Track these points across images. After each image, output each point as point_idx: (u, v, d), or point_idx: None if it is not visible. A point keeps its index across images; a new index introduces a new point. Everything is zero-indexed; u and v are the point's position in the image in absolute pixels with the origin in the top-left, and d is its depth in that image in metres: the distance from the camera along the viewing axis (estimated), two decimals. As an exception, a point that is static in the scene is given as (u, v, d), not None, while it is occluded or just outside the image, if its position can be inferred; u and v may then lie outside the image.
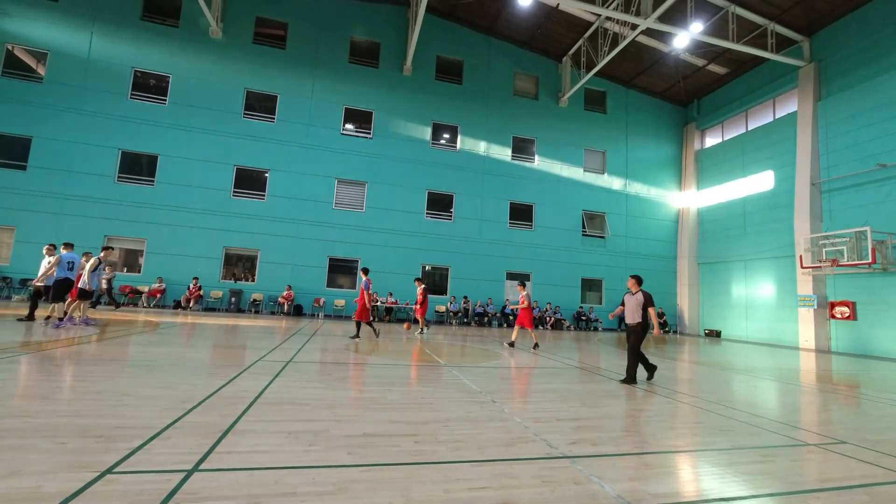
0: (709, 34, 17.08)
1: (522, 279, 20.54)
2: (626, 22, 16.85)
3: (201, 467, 2.53)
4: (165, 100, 17.35)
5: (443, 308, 18.86)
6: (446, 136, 20.54)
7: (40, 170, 15.93)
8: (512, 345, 10.47)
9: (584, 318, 20.23)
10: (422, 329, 12.70)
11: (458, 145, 20.37)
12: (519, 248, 20.46)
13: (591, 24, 19.27)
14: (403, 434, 3.40)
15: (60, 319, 8.74)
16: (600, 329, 20.51)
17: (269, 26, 18.88)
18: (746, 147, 20.21)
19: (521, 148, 21.32)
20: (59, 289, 8.90)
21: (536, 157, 21.34)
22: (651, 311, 6.29)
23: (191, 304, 16.13)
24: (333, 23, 19.34)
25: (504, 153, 20.88)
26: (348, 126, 19.27)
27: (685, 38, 17.23)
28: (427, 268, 19.51)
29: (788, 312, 17.36)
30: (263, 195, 17.95)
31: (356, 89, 19.29)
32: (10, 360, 5.23)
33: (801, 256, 16.31)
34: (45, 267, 9.11)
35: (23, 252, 15.12)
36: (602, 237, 21.82)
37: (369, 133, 19.33)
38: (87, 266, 9.34)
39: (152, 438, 2.93)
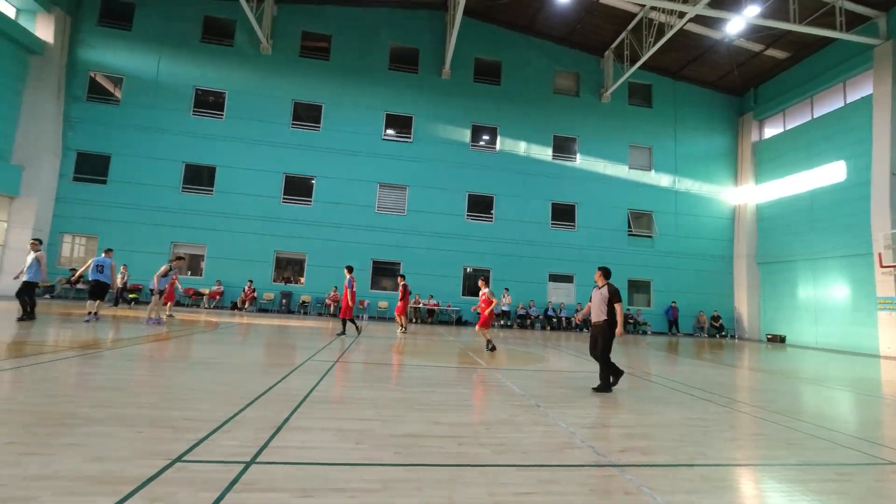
0: (766, 17, 15.92)
1: (565, 278, 20.06)
2: (672, 10, 16.07)
3: (258, 460, 2.69)
4: (222, 114, 18.56)
5: (484, 310, 18.79)
6: (486, 137, 20.50)
7: (118, 183, 17.52)
8: (493, 348, 9.10)
9: (631, 320, 19.44)
10: (404, 328, 12.41)
11: (498, 146, 20.27)
12: (562, 249, 20.01)
13: (634, 14, 18.55)
14: (447, 436, 3.43)
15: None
16: (649, 332, 19.61)
17: (313, 39, 19.71)
18: (812, 136, 18.62)
19: (563, 147, 20.86)
20: (95, 289, 9.68)
21: (578, 156, 20.80)
22: (618, 307, 5.63)
23: (246, 306, 17.11)
24: (373, 32, 19.87)
25: (545, 153, 20.53)
26: (389, 131, 19.71)
27: (739, 22, 16.17)
28: (468, 269, 19.54)
29: (866, 316, 15.77)
30: (310, 201, 18.72)
31: (396, 95, 19.71)
32: (94, 355, 5.79)
33: (880, 254, 14.79)
34: (29, 262, 9.16)
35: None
36: (649, 237, 20.88)
37: (410, 137, 19.67)
38: (159, 271, 10.47)
39: (215, 431, 3.15)
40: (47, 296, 15.81)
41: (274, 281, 18.23)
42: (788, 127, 20.14)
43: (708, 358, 11.07)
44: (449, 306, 18.36)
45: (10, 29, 15.78)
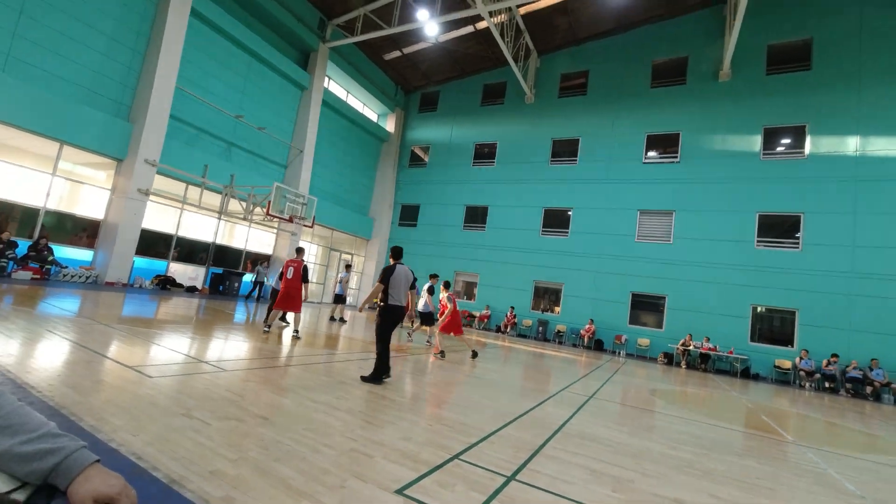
0: None
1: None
2: None
3: (517, 478, 2.94)
4: (494, 161, 21.68)
5: (788, 364, 14.26)
6: (786, 140, 16.04)
7: (423, 226, 23.00)
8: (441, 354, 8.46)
9: None
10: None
11: (807, 150, 15.46)
12: (943, 286, 13.12)
13: None
14: (728, 517, 2.81)
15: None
16: None
17: (572, 79, 20.63)
18: None
19: (939, 133, 13.96)
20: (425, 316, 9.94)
21: (977, 143, 13.41)
22: (376, 286, 5.37)
23: (507, 330, 18.87)
24: (634, 53, 19.09)
25: (898, 147, 14.26)
26: (651, 154, 18.19)
27: None
28: (759, 309, 15.39)
29: None
30: (567, 232, 19.20)
31: (659, 114, 18.10)
32: (401, 359, 7.67)
33: None
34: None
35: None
36: None
37: (676, 157, 17.55)
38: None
39: (483, 440, 3.64)
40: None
41: (532, 309, 19.42)
42: None
43: None
44: (731, 352, 14.86)
45: (373, 129, 23.55)
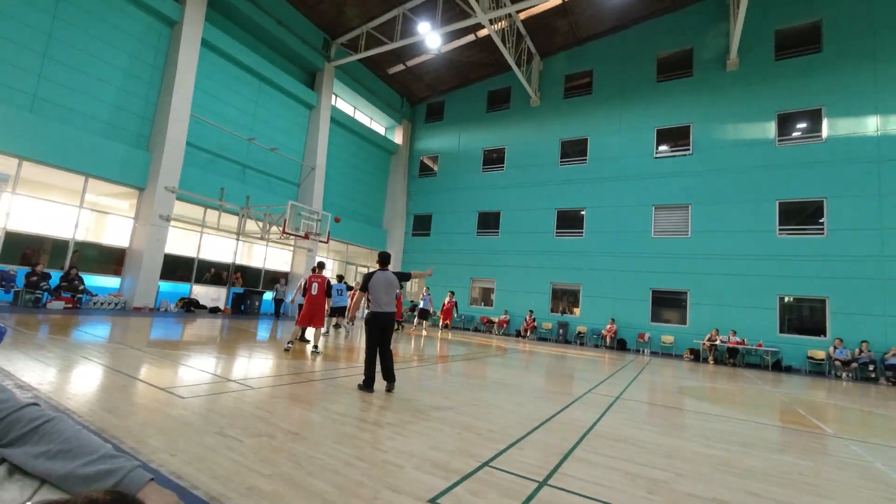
0: None
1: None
2: None
3: (549, 482, 2.91)
4: (503, 166, 21.69)
5: (822, 354, 13.78)
6: (801, 125, 15.67)
7: (437, 234, 23.08)
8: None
9: None
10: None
11: (825, 133, 15.07)
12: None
13: None
14: (771, 515, 2.74)
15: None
16: None
17: (576, 79, 20.58)
18: None
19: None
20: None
21: None
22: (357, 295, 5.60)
23: (527, 334, 18.70)
24: (637, 49, 18.98)
25: (923, 124, 13.78)
26: (662, 148, 17.97)
27: None
28: (787, 299, 14.95)
29: None
30: (581, 232, 19.03)
31: (667, 107, 17.91)
32: (422, 367, 7.68)
33: None
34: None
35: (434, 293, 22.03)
36: None
37: (688, 149, 17.30)
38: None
39: (511, 446, 3.62)
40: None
41: (551, 311, 19.23)
42: None
43: None
44: (760, 345, 14.44)
45: (382, 142, 23.81)
